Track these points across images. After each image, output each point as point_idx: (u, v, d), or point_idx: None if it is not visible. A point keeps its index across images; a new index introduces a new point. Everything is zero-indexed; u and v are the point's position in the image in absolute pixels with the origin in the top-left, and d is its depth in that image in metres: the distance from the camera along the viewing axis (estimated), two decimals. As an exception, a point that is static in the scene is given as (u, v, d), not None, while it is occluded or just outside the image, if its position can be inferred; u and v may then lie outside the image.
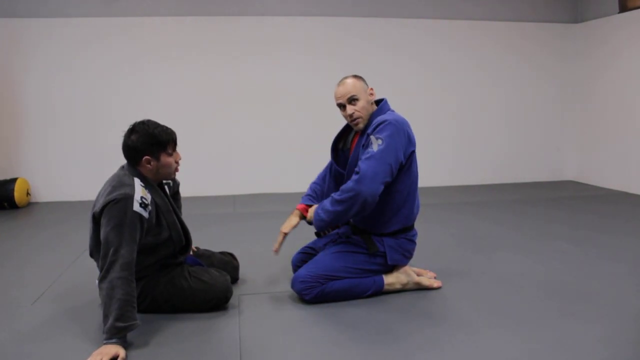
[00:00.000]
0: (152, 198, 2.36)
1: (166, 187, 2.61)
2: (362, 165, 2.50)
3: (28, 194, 5.44)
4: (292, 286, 2.67)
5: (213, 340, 2.26)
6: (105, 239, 2.18)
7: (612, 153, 6.02)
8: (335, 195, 2.56)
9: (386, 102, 2.79)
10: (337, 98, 2.70)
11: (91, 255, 2.45)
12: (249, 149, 5.97)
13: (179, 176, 2.67)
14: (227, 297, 2.57)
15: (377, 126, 2.57)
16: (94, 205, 2.32)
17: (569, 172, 6.68)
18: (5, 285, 3.01)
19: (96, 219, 2.29)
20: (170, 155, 2.43)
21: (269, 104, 5.91)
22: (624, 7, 5.74)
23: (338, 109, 2.75)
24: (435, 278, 2.94)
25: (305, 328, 2.39)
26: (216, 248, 3.09)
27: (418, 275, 2.89)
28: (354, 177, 2.51)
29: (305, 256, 2.91)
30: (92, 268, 2.91)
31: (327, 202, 2.60)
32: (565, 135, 6.62)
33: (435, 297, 2.74)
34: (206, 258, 2.85)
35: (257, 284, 2.95)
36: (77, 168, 5.67)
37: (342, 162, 2.89)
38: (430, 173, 6.23)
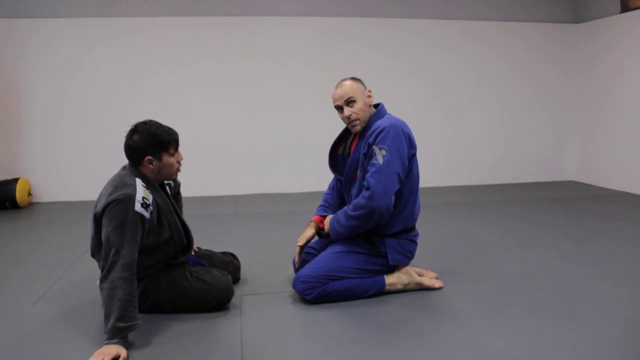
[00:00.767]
0: (154, 198, 2.37)
1: (167, 187, 2.61)
2: (371, 180, 2.53)
3: (30, 194, 5.44)
4: (294, 286, 2.67)
5: (214, 340, 2.26)
6: (107, 239, 2.19)
7: (613, 153, 6.02)
8: (350, 211, 2.61)
9: (383, 106, 2.80)
10: (334, 100, 2.72)
11: (92, 255, 2.45)
12: (251, 150, 5.97)
13: (180, 176, 2.67)
14: (228, 297, 2.57)
15: (377, 134, 2.58)
16: (96, 206, 2.33)
17: (570, 173, 6.67)
18: (6, 285, 3.01)
19: (97, 219, 2.29)
20: (172, 155, 2.44)
21: (271, 104, 5.91)
22: (625, 8, 5.74)
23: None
24: (436, 278, 2.94)
25: (307, 328, 2.39)
26: (217, 248, 3.09)
27: (419, 275, 2.90)
28: (365, 193, 2.54)
29: (306, 256, 2.91)
30: (93, 268, 2.91)
31: (341, 216, 2.66)
32: (566, 135, 6.62)
33: (437, 297, 2.74)
34: (207, 258, 2.85)
35: (259, 284, 2.95)
36: (78, 168, 5.68)
37: (341, 168, 2.90)
38: (430, 173, 6.23)
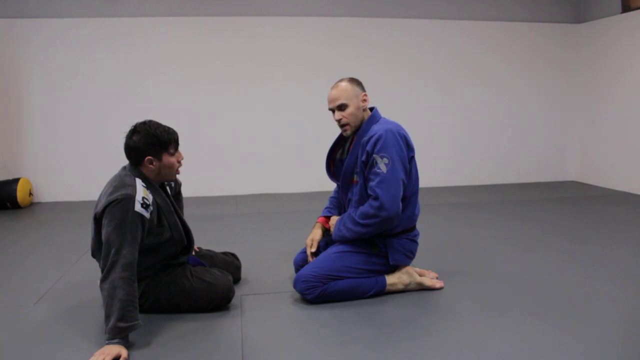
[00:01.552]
0: (154, 198, 2.37)
1: (168, 187, 2.61)
2: (379, 191, 2.54)
3: (30, 194, 5.45)
4: (295, 286, 2.67)
5: (215, 340, 2.26)
6: (107, 239, 2.19)
7: (614, 153, 6.02)
8: (358, 219, 2.61)
9: (377, 110, 2.78)
10: (328, 102, 2.72)
11: (93, 255, 2.45)
12: (252, 150, 5.97)
13: (180, 176, 2.67)
14: (229, 297, 2.57)
15: (375, 142, 2.57)
16: (96, 206, 2.33)
17: (572, 173, 6.67)
18: (7, 285, 3.02)
19: (98, 220, 2.30)
20: (172, 155, 2.43)
21: (271, 104, 5.91)
22: (626, 7, 5.73)
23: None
24: (437, 278, 2.94)
25: (308, 328, 2.39)
26: (218, 248, 3.10)
27: (420, 275, 2.89)
28: (374, 203, 2.55)
29: (306, 256, 2.91)
30: (94, 268, 2.92)
31: (348, 220, 2.67)
32: (567, 135, 6.61)
33: (437, 297, 2.74)
34: (208, 258, 2.85)
35: (260, 284, 2.95)
36: (79, 168, 5.68)
37: (338, 172, 2.91)
38: (431, 173, 6.25)
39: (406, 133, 2.68)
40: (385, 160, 2.54)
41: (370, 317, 2.48)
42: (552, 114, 6.56)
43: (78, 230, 4.28)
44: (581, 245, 3.63)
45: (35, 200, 5.65)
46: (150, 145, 2.35)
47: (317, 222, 2.95)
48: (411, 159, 2.67)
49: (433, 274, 2.97)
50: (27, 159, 5.64)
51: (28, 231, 4.39)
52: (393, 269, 2.78)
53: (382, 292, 2.73)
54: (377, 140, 2.56)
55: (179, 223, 2.51)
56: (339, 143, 2.96)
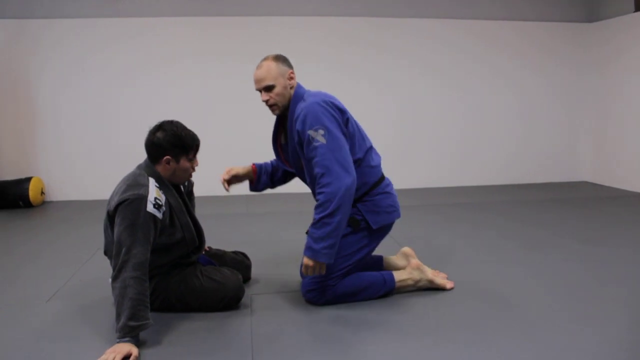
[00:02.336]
0: (166, 199, 2.38)
1: (180, 186, 2.63)
2: (326, 162, 2.38)
3: (42, 192, 5.49)
4: (303, 296, 2.65)
5: (225, 339, 2.27)
6: (118, 238, 2.20)
7: (627, 154, 5.95)
8: (320, 214, 2.38)
9: (300, 85, 2.63)
10: (254, 82, 2.58)
11: (105, 253, 2.47)
12: (264, 150, 5.96)
13: (192, 176, 2.68)
14: (239, 297, 2.58)
15: (304, 119, 2.43)
16: (109, 203, 2.35)
17: (583, 173, 6.61)
18: (19, 283, 3.04)
19: (111, 217, 2.31)
20: (190, 160, 2.46)
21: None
22: (639, 6, 5.68)
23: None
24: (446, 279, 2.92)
25: (317, 328, 2.39)
26: (228, 247, 3.10)
27: None
28: (325, 180, 2.38)
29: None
30: (105, 266, 2.93)
31: (316, 231, 2.40)
32: (579, 135, 6.56)
33: (446, 298, 2.72)
34: (218, 257, 2.86)
35: (269, 284, 2.95)
36: (90, 167, 5.72)
37: (287, 158, 2.80)
38: (440, 173, 6.23)
39: (333, 98, 2.54)
40: (321, 131, 2.40)
41: (379, 317, 2.48)
42: (563, 113, 6.51)
43: (89, 228, 4.32)
44: (593, 246, 3.59)
45: (47, 199, 5.69)
46: (173, 145, 2.37)
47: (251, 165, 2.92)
48: (347, 121, 2.53)
49: (442, 275, 2.94)
50: (39, 158, 5.69)
51: (40, 230, 4.43)
52: (383, 234, 2.68)
53: (392, 291, 2.71)
54: (305, 117, 2.44)
55: (191, 223, 2.52)
56: (279, 128, 2.80)
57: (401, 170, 5.98)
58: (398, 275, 2.72)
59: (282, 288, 2.89)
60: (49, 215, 5.04)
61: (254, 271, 3.05)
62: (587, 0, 6.38)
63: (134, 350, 2.09)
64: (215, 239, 3.48)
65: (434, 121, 6.19)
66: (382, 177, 2.69)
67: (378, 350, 2.15)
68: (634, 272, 3.05)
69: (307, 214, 4.78)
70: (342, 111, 2.53)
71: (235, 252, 3.01)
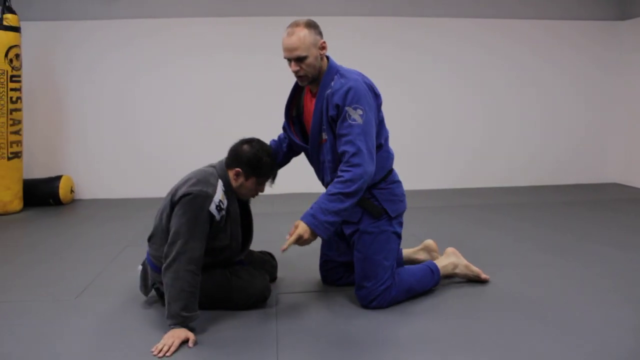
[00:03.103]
0: (228, 205, 2.43)
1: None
2: (359, 143, 2.32)
3: (72, 191, 5.59)
4: (365, 307, 2.58)
5: (250, 337, 2.28)
6: (177, 229, 2.26)
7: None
8: (341, 190, 2.31)
9: (332, 60, 2.54)
10: (283, 50, 2.42)
11: (149, 239, 2.52)
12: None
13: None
14: (265, 296, 2.60)
15: (345, 94, 2.36)
16: (175, 191, 2.39)
17: (613, 174, 6.47)
18: (50, 279, 3.10)
19: (173, 204, 2.36)
20: (259, 184, 2.52)
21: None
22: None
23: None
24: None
25: (342, 328, 2.38)
26: (255, 247, 3.10)
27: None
28: (354, 160, 2.31)
29: (326, 263, 2.90)
30: (133, 263, 2.98)
31: (328, 203, 2.32)
32: (609, 135, 6.42)
33: (472, 298, 2.69)
34: (246, 257, 2.87)
35: (295, 284, 2.96)
36: (118, 166, 5.80)
37: (297, 131, 2.76)
38: (464, 174, 6.16)
39: (370, 81, 2.52)
40: (360, 111, 2.34)
41: (404, 317, 2.47)
42: (592, 113, 6.38)
43: (117, 226, 4.38)
44: (622, 249, 3.51)
45: (77, 197, 5.79)
46: (249, 162, 2.44)
47: None
48: (379, 106, 2.52)
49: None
50: (69, 157, 5.78)
51: (70, 227, 4.51)
52: (399, 225, 2.63)
53: (440, 279, 2.73)
54: (348, 91, 2.36)
55: (240, 235, 2.56)
56: (292, 100, 2.74)
57: (421, 170, 5.95)
58: (438, 262, 2.71)
59: (308, 288, 2.89)
60: (78, 212, 5.13)
61: (280, 271, 3.06)
62: (618, -2, 6.25)
63: (191, 336, 2.18)
64: (241, 238, 3.50)
65: (456, 121, 6.11)
66: (392, 169, 2.69)
67: (403, 352, 2.14)
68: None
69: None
70: (377, 96, 2.53)
71: (261, 252, 3.02)
